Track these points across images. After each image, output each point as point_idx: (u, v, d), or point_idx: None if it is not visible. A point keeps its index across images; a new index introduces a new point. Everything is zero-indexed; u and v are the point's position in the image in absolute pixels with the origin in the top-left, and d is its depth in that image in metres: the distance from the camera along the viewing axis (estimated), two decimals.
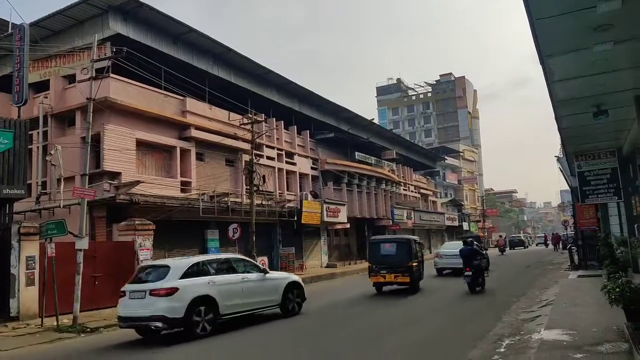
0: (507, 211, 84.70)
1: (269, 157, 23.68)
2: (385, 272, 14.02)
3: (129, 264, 14.41)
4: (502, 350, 6.57)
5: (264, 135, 21.78)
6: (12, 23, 16.94)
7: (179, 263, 9.45)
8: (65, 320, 10.79)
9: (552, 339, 6.58)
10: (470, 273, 13.18)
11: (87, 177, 12.26)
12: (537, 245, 57.57)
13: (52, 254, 11.00)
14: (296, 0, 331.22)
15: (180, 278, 8.88)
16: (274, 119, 24.47)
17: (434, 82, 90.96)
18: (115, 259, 14.07)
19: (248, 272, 10.25)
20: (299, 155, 26.62)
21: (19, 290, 11.56)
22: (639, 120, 8.20)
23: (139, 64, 15.49)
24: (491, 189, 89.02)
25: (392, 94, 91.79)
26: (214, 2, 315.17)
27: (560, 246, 37.80)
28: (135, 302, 8.82)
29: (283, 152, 25.10)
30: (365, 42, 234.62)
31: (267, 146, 23.61)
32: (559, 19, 5.23)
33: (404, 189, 39.35)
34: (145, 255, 14.88)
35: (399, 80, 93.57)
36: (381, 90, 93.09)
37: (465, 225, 52.46)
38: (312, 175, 27.66)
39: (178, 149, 18.64)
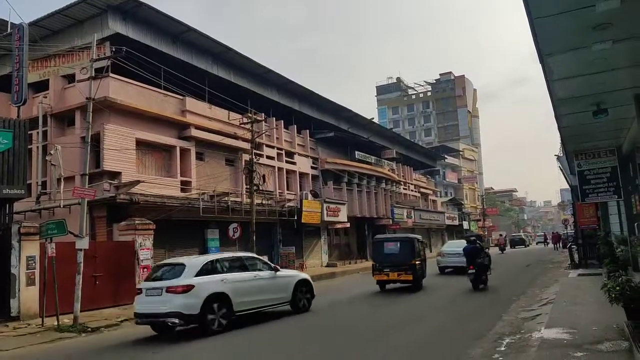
0: (507, 210, 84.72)
1: (268, 157, 23.68)
2: (388, 270, 14.29)
3: (129, 263, 14.43)
4: (503, 349, 6.58)
5: (263, 135, 21.78)
6: (11, 23, 16.90)
7: (194, 261, 9.72)
8: (66, 320, 10.80)
9: (552, 337, 6.58)
10: (473, 271, 13.46)
11: (87, 176, 12.26)
12: (537, 244, 57.66)
13: (53, 254, 11.01)
14: (296, 0, 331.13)
15: (196, 276, 9.12)
16: (274, 118, 24.47)
17: (434, 81, 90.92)
18: (116, 258, 14.08)
19: (260, 270, 10.51)
20: (299, 154, 26.62)
21: (19, 290, 11.57)
22: (638, 119, 8.20)
23: (138, 63, 15.49)
24: (491, 188, 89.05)
25: (392, 93, 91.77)
26: (214, 1, 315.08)
27: (560, 245, 37.81)
28: (152, 299, 9.07)
29: (283, 152, 25.10)
30: (365, 41, 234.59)
31: (267, 145, 23.60)
32: (558, 18, 5.23)
33: (404, 188, 39.36)
34: (145, 255, 14.90)
35: (398, 79, 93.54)
36: (381, 90, 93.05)
37: (465, 225, 52.47)
38: (312, 175, 27.66)
39: (178, 149, 18.64)
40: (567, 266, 19.03)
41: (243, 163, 20.49)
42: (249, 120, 19.61)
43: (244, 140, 20.28)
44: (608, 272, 9.94)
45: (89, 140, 12.26)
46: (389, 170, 35.41)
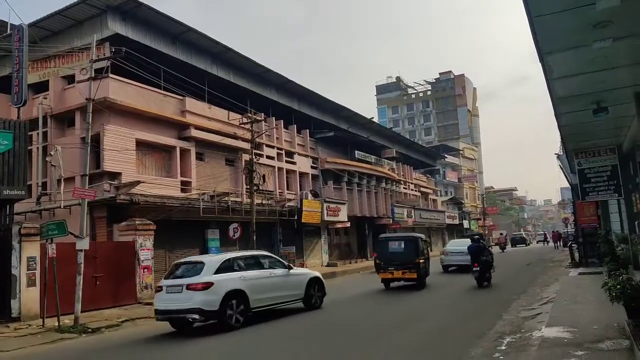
0: (507, 209, 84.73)
1: (268, 157, 23.68)
2: (393, 268, 14.59)
3: (129, 264, 14.44)
4: (504, 348, 6.57)
5: (263, 135, 21.78)
6: (11, 24, 16.90)
7: (213, 259, 10.09)
8: (67, 320, 10.81)
9: (553, 336, 6.58)
10: (478, 268, 13.82)
11: (87, 177, 12.26)
12: (537, 242, 57.70)
13: (53, 255, 11.01)
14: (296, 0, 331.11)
15: (215, 273, 9.43)
16: (274, 118, 24.46)
17: (434, 81, 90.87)
18: (116, 259, 14.09)
19: (274, 268, 10.87)
20: (299, 154, 26.61)
21: (20, 291, 11.57)
22: (639, 117, 8.20)
23: (138, 64, 15.48)
24: (491, 186, 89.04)
25: (391, 92, 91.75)
26: (213, 1, 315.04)
27: (561, 244, 37.81)
28: (173, 296, 9.36)
29: (283, 152, 25.10)
30: (365, 41, 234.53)
31: (267, 145, 23.60)
32: (558, 16, 5.23)
33: (404, 188, 39.35)
34: (145, 255, 14.91)
35: (398, 78, 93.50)
36: (381, 89, 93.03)
37: (465, 224, 52.47)
38: (312, 174, 27.66)
39: (178, 149, 18.64)
40: (567, 265, 19.03)
41: (243, 163, 20.49)
42: (249, 120, 19.60)
43: (244, 140, 20.28)
44: (608, 270, 9.93)
45: (89, 141, 12.26)
46: (389, 170, 35.40)
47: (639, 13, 5.29)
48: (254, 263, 10.59)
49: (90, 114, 12.26)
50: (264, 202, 21.21)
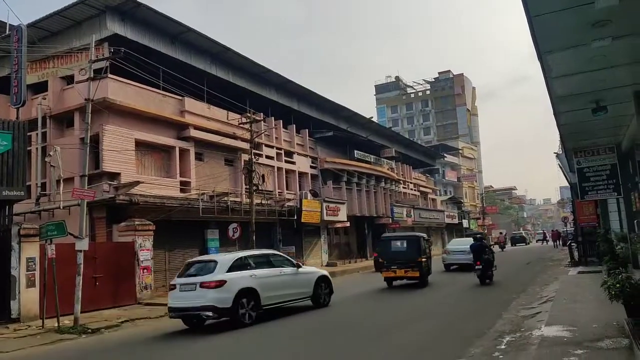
0: (506, 208, 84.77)
1: (268, 157, 23.67)
2: (396, 267, 14.86)
3: (129, 264, 14.44)
4: (503, 347, 6.58)
5: (262, 135, 21.78)
6: (10, 24, 16.88)
7: (226, 258, 10.33)
8: (66, 321, 10.80)
9: (552, 335, 6.59)
10: (480, 266, 14.17)
11: (87, 178, 12.25)
12: (536, 242, 57.78)
13: (53, 255, 11.00)
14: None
15: (227, 272, 9.69)
16: (273, 118, 24.46)
17: (433, 80, 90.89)
18: (116, 259, 14.08)
19: (283, 267, 11.15)
20: (298, 154, 26.61)
21: (19, 292, 11.56)
22: (638, 116, 8.20)
23: (137, 64, 15.47)
24: (491, 186, 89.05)
25: (390, 92, 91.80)
26: (213, 1, 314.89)
27: (560, 243, 37.85)
28: (186, 294, 9.61)
29: (282, 151, 25.09)
30: (364, 41, 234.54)
31: (266, 145, 23.60)
32: (557, 15, 5.23)
33: (403, 187, 39.36)
34: (145, 256, 14.92)
35: (397, 78, 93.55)
36: (380, 89, 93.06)
37: (465, 223, 52.48)
38: (311, 174, 27.66)
39: (177, 149, 18.63)
40: (567, 264, 19.05)
41: (242, 163, 20.49)
42: (248, 120, 19.60)
43: (243, 140, 20.28)
44: (608, 269, 9.94)
45: (88, 141, 12.25)
46: (388, 169, 35.41)
47: (638, 12, 5.29)
48: (265, 262, 10.83)
49: (90, 115, 12.25)
50: (263, 202, 21.21)
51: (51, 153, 15.65)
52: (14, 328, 10.78)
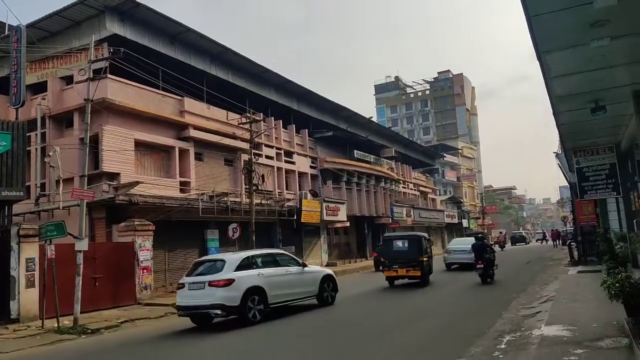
0: (506, 208, 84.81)
1: (267, 157, 23.67)
2: (397, 266, 15.04)
3: (129, 264, 14.43)
4: (503, 346, 6.58)
5: (262, 135, 21.77)
6: (9, 24, 16.89)
7: (233, 257, 10.49)
8: (66, 321, 10.79)
9: (552, 334, 6.59)
10: (482, 265, 14.37)
11: (86, 178, 12.24)
12: (536, 241, 57.83)
13: (52, 256, 10.99)
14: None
15: (235, 270, 9.84)
16: (273, 118, 24.45)
17: (432, 80, 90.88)
18: (115, 259, 14.07)
19: (289, 266, 11.30)
20: (298, 154, 26.61)
21: (19, 292, 11.55)
22: (637, 116, 8.20)
23: (136, 64, 15.46)
24: (490, 185, 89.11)
25: (390, 92, 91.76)
26: (212, 1, 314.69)
27: (560, 242, 37.86)
28: (195, 292, 9.75)
29: (282, 151, 25.09)
30: (364, 40, 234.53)
31: (266, 145, 23.59)
32: (555, 15, 5.23)
33: (403, 187, 39.37)
34: (145, 256, 14.90)
35: (397, 78, 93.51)
36: (379, 89, 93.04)
37: (464, 223, 52.49)
38: (311, 174, 27.66)
39: (177, 149, 18.62)
40: (566, 263, 19.07)
41: (242, 163, 20.48)
42: (248, 120, 19.59)
43: (243, 140, 20.27)
44: (607, 268, 9.95)
45: (88, 142, 12.24)
46: (388, 169, 35.41)
47: (636, 12, 5.30)
48: (271, 261, 11.01)
49: (89, 115, 12.24)
50: (263, 202, 21.21)
51: (50, 153, 15.64)
52: (13, 328, 10.77)
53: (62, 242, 11.67)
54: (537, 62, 6.49)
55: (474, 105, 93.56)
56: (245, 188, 19.78)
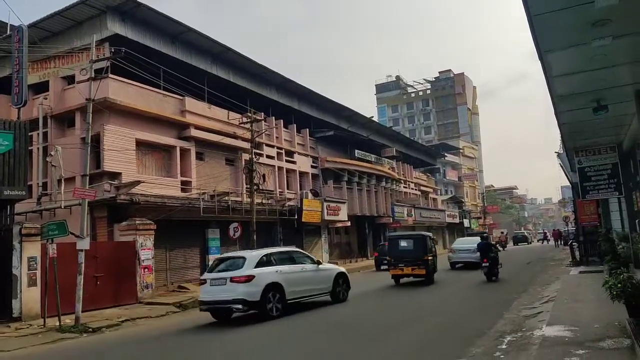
0: (507, 207, 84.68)
1: (268, 156, 23.67)
2: (403, 265, 15.41)
3: (130, 264, 14.46)
4: (504, 346, 6.57)
5: (263, 134, 21.77)
6: (11, 24, 16.89)
7: (253, 254, 10.90)
8: (68, 320, 10.82)
9: (553, 335, 6.58)
10: (487, 264, 14.75)
11: (88, 177, 12.26)
12: (537, 241, 57.75)
13: (54, 255, 11.02)
14: None
15: (255, 267, 10.25)
16: (274, 117, 24.46)
17: (433, 79, 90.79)
18: (117, 259, 14.10)
19: (304, 263, 11.67)
20: (299, 153, 26.61)
21: (21, 291, 11.58)
22: (639, 115, 8.18)
23: (137, 64, 15.47)
24: (492, 185, 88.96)
25: (391, 91, 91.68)
26: (213, 1, 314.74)
27: (562, 242, 37.78)
28: (217, 288, 10.18)
29: (283, 151, 25.09)
30: (364, 40, 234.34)
31: (267, 145, 23.60)
32: (557, 14, 5.22)
33: (404, 187, 39.34)
34: (146, 255, 14.93)
35: (398, 77, 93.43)
36: (380, 88, 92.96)
37: (466, 222, 52.41)
38: (312, 174, 27.65)
39: (178, 149, 18.64)
40: (568, 263, 19.03)
41: (243, 162, 20.48)
42: (249, 120, 19.60)
43: (244, 139, 20.28)
44: (609, 269, 9.91)
45: (89, 141, 12.26)
46: (389, 169, 35.39)
47: (638, 11, 5.28)
48: (288, 258, 11.40)
49: (91, 114, 12.26)
50: (264, 201, 21.21)
51: (52, 153, 15.67)
52: (15, 327, 10.80)
53: (63, 241, 11.69)
54: (539, 62, 6.47)
55: (475, 104, 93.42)
56: (246, 187, 19.78)
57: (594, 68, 6.80)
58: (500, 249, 37.07)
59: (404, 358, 6.67)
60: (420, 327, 8.62)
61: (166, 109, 18.55)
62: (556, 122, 9.80)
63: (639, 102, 7.89)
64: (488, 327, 7.95)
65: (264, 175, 21.70)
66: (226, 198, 19.38)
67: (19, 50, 15.40)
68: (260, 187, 19.82)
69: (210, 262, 18.91)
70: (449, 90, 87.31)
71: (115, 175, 16.07)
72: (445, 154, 57.27)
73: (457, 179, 61.46)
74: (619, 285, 6.21)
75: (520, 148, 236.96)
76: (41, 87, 17.89)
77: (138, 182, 15.92)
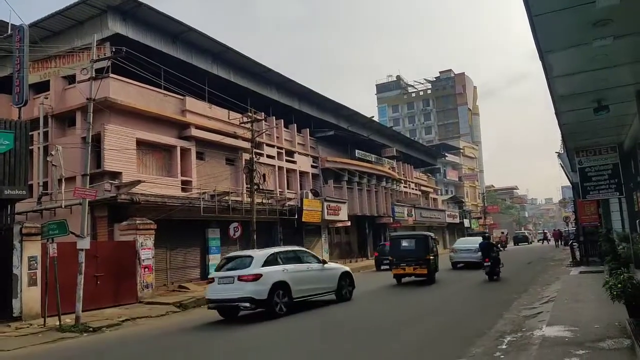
0: (508, 208, 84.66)
1: (269, 156, 23.67)
2: (405, 264, 15.60)
3: (130, 263, 14.46)
4: (504, 347, 6.57)
5: (263, 134, 21.78)
6: (12, 24, 16.91)
7: (260, 253, 11.06)
8: (68, 320, 10.83)
9: (553, 335, 6.58)
10: (489, 263, 14.94)
11: (88, 177, 12.27)
12: (538, 241, 57.74)
13: (54, 254, 11.03)
14: None
15: (262, 266, 10.41)
16: (274, 117, 24.46)
17: (434, 79, 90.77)
18: (117, 258, 14.10)
19: (310, 262, 11.83)
20: (299, 153, 26.61)
21: (21, 291, 11.58)
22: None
23: (138, 63, 15.48)
24: (492, 185, 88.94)
25: (391, 91, 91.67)
26: (214, 0, 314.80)
27: (562, 242, 37.76)
28: (225, 286, 10.34)
29: (283, 151, 25.09)
30: (365, 40, 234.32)
31: (267, 145, 23.60)
32: (557, 15, 5.21)
33: (404, 187, 39.33)
34: (146, 255, 14.94)
35: (398, 77, 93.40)
36: (381, 88, 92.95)
37: (466, 222, 52.39)
38: (312, 174, 27.65)
39: (178, 148, 18.64)
40: (568, 264, 19.02)
41: (243, 162, 20.49)
42: (249, 120, 19.60)
43: (244, 139, 20.28)
44: (610, 269, 9.90)
45: (90, 141, 12.27)
46: (389, 169, 35.38)
47: (639, 11, 5.27)
48: (294, 257, 11.56)
49: (91, 114, 12.26)
50: (264, 201, 21.22)
51: (53, 152, 15.68)
52: (15, 326, 10.81)
53: (64, 240, 11.70)
54: (539, 62, 6.47)
55: (476, 104, 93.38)
56: (247, 187, 19.78)
57: (595, 68, 6.79)
58: (501, 249, 37.25)
59: (405, 357, 6.69)
60: (422, 327, 8.66)
61: (167, 108, 18.56)
62: (557, 122, 9.79)
63: None
64: (488, 327, 7.95)
65: (264, 175, 21.70)
66: (226, 198, 19.38)
67: (20, 49, 15.41)
68: (261, 187, 19.82)
69: (210, 262, 19.10)
70: (450, 90, 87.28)
71: (116, 175, 16.08)
72: (446, 154, 57.27)
73: (457, 179, 61.45)
74: (619, 285, 6.20)
75: (521, 148, 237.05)
76: (42, 87, 17.90)
77: (138, 182, 15.93)
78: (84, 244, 11.42)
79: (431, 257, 15.60)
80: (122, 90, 16.66)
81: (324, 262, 12.38)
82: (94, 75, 12.36)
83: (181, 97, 19.06)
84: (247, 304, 10.03)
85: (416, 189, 42.43)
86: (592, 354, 5.48)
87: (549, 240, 48.63)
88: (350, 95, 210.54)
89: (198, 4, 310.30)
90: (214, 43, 20.24)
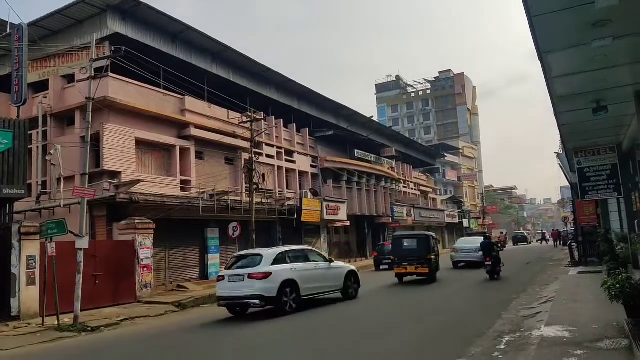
0: (507, 208, 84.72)
1: (268, 155, 23.67)
2: (406, 264, 15.81)
3: (129, 263, 14.45)
4: (503, 347, 6.58)
5: (263, 134, 21.77)
6: (11, 23, 16.88)
7: (270, 252, 11.27)
8: (66, 319, 10.81)
9: (552, 335, 6.59)
10: (490, 262, 15.14)
11: (87, 176, 12.25)
12: (537, 241, 57.83)
13: (53, 254, 11.01)
14: None
15: (272, 264, 10.63)
16: (273, 117, 24.45)
17: (433, 79, 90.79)
18: (116, 258, 14.09)
19: (317, 261, 12.06)
20: (299, 153, 26.60)
21: (19, 290, 11.57)
22: (638, 116, 8.19)
23: (137, 63, 15.47)
24: (491, 185, 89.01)
25: (391, 91, 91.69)
26: (214, 0, 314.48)
27: (561, 242, 37.80)
28: (235, 284, 10.55)
29: (282, 150, 25.08)
30: (365, 39, 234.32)
31: (267, 144, 23.59)
32: (557, 15, 5.22)
33: (403, 187, 39.34)
34: (145, 254, 14.93)
35: (398, 77, 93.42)
36: (380, 88, 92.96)
37: (465, 223, 52.43)
38: (311, 173, 27.65)
39: (177, 148, 18.63)
40: (567, 264, 19.04)
41: (243, 162, 20.48)
42: (249, 119, 19.59)
43: (244, 139, 20.27)
44: (608, 269, 9.93)
45: (89, 140, 12.25)
46: (388, 169, 35.39)
47: (638, 12, 5.28)
48: (301, 256, 11.82)
49: (90, 113, 12.25)
50: (263, 201, 21.21)
51: (52, 151, 15.66)
52: (14, 326, 10.79)
53: (62, 240, 11.68)
54: (539, 62, 6.47)
55: (475, 104, 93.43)
56: (246, 187, 19.78)
57: (594, 69, 6.81)
58: (500, 248, 37.29)
59: (405, 356, 6.71)
60: (422, 326, 8.73)
61: (166, 108, 18.54)
62: (556, 122, 9.80)
63: (639, 102, 7.89)
64: (487, 327, 7.97)
65: (263, 175, 21.69)
66: (226, 197, 19.37)
67: (19, 48, 15.39)
68: (260, 187, 19.81)
69: (209, 262, 19.11)
70: (449, 91, 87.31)
71: (115, 174, 16.06)
72: (445, 154, 57.29)
73: (456, 179, 61.48)
74: (618, 285, 6.22)
75: (520, 148, 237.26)
76: (41, 86, 17.88)
77: (137, 181, 15.91)
78: (83, 243, 11.41)
79: (432, 257, 15.80)
80: (121, 89, 16.65)
81: (331, 261, 12.61)
82: (93, 75, 12.34)
83: (180, 97, 19.05)
84: (257, 301, 10.23)
85: (415, 189, 42.46)
86: (591, 354, 5.49)
87: (548, 240, 48.69)
88: (350, 95, 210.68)
89: (198, 3, 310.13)
90: (214, 42, 20.23)
